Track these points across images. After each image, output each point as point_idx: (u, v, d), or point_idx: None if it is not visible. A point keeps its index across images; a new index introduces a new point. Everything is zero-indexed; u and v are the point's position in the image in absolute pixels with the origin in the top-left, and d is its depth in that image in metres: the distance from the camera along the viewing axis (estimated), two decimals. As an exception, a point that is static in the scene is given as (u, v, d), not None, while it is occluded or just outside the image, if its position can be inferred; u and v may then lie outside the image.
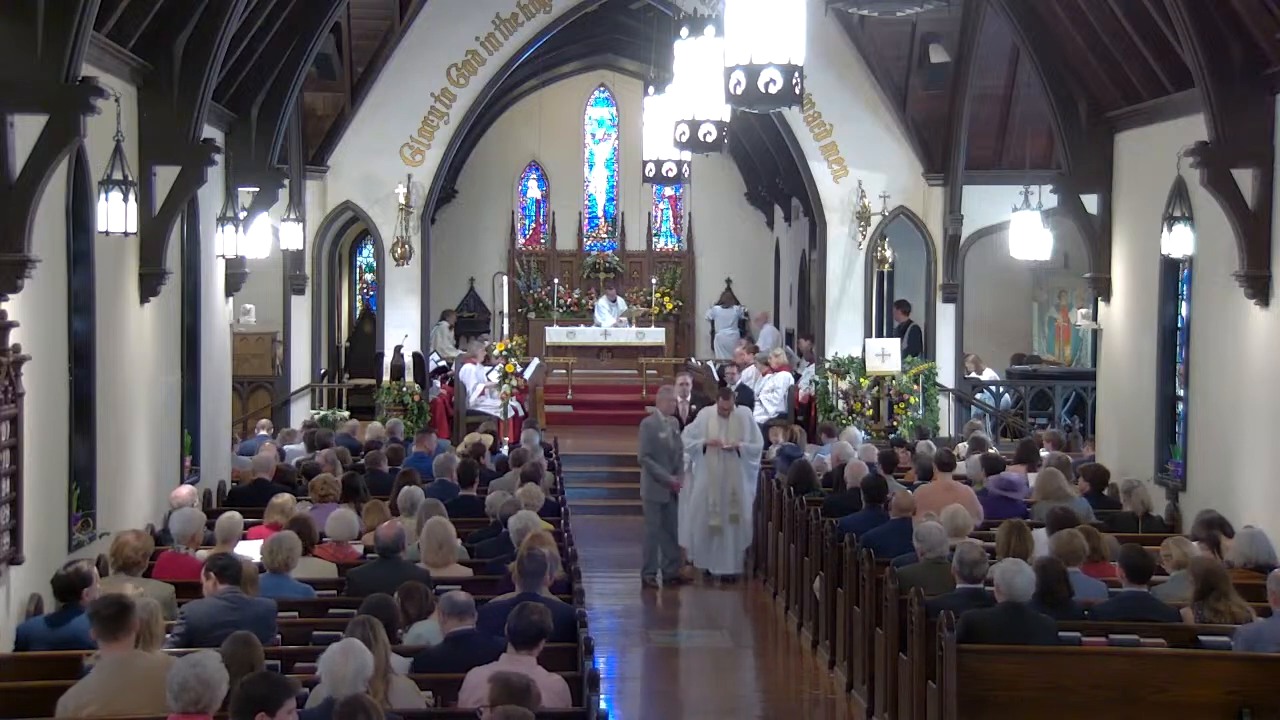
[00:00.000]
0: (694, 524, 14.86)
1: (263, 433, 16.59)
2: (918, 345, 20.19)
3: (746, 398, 17.54)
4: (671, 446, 14.68)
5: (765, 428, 17.01)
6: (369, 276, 26.24)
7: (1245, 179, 11.23)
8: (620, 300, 27.58)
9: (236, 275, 15.14)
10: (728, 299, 29.25)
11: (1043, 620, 8.24)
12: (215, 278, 14.52)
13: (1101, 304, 15.31)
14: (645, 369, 25.16)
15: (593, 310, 27.78)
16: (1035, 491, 12.17)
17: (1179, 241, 12.47)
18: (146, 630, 7.21)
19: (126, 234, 10.09)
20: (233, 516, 10.42)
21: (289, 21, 14.27)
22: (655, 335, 26.82)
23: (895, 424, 18.65)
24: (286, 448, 15.31)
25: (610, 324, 26.83)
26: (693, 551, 14.99)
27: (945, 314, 20.02)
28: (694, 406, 15.48)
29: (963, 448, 15.41)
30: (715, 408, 14.91)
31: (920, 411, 19.04)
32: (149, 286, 11.73)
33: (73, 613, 8.13)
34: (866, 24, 18.87)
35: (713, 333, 28.81)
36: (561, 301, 28.82)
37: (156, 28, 11.20)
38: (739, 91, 10.11)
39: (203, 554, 9.86)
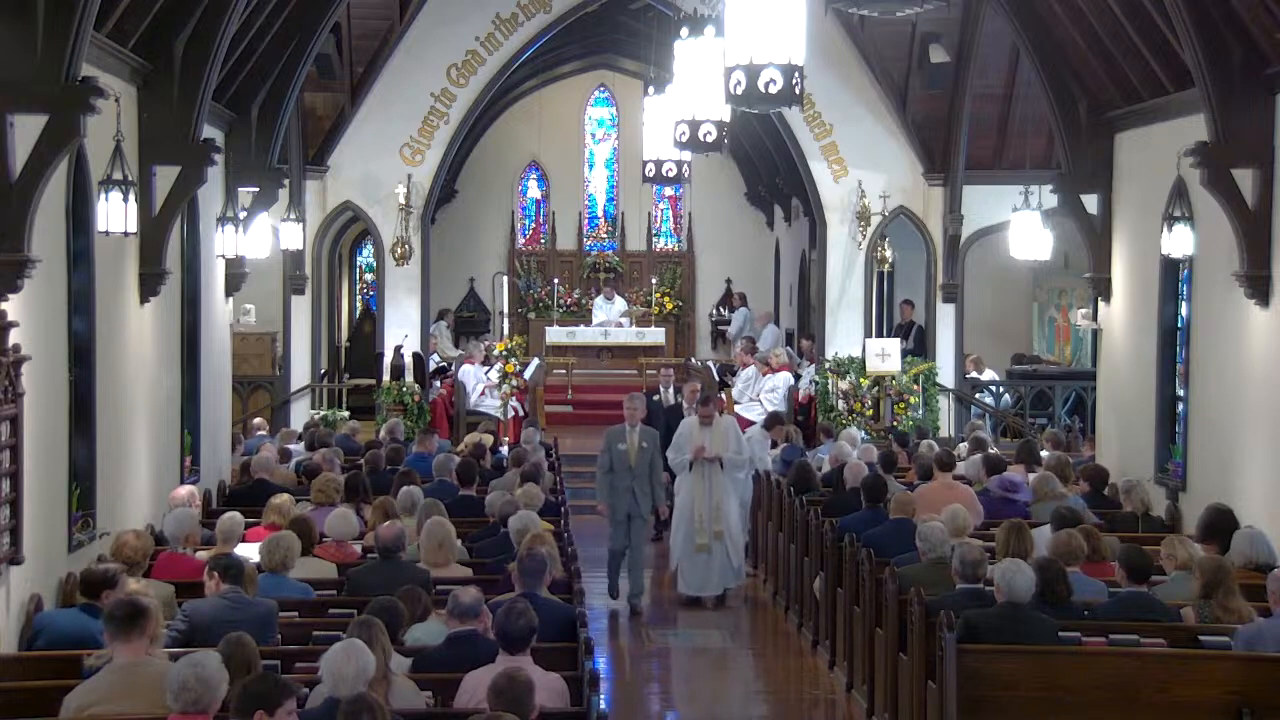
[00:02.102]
0: (679, 543, 13.93)
1: (261, 433, 16.58)
2: (923, 344, 20.21)
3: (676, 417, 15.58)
4: (633, 461, 13.51)
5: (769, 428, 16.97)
6: (369, 276, 26.26)
7: (1245, 179, 11.24)
8: (619, 299, 27.57)
9: (236, 275, 15.14)
10: (740, 301, 29.09)
11: (1043, 620, 8.24)
12: (215, 278, 14.52)
13: (1101, 304, 15.32)
14: (645, 369, 25.15)
15: (591, 310, 27.75)
16: (1033, 493, 12.16)
17: (1179, 241, 12.48)
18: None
19: (126, 234, 10.10)
20: (234, 517, 10.42)
21: (289, 21, 14.27)
22: (655, 335, 26.81)
23: (895, 424, 18.66)
24: (288, 447, 15.31)
25: (602, 319, 26.81)
26: (679, 573, 13.98)
27: (945, 314, 20.02)
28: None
29: (963, 448, 15.42)
30: (696, 417, 13.91)
31: (920, 411, 19.05)
32: (149, 286, 11.72)
33: (90, 610, 8.26)
34: (866, 24, 18.87)
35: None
36: (561, 301, 28.82)
37: (156, 28, 11.19)
38: (739, 91, 10.12)
39: (203, 555, 9.88)
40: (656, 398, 16.72)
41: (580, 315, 28.26)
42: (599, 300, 27.52)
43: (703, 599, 13.87)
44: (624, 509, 13.62)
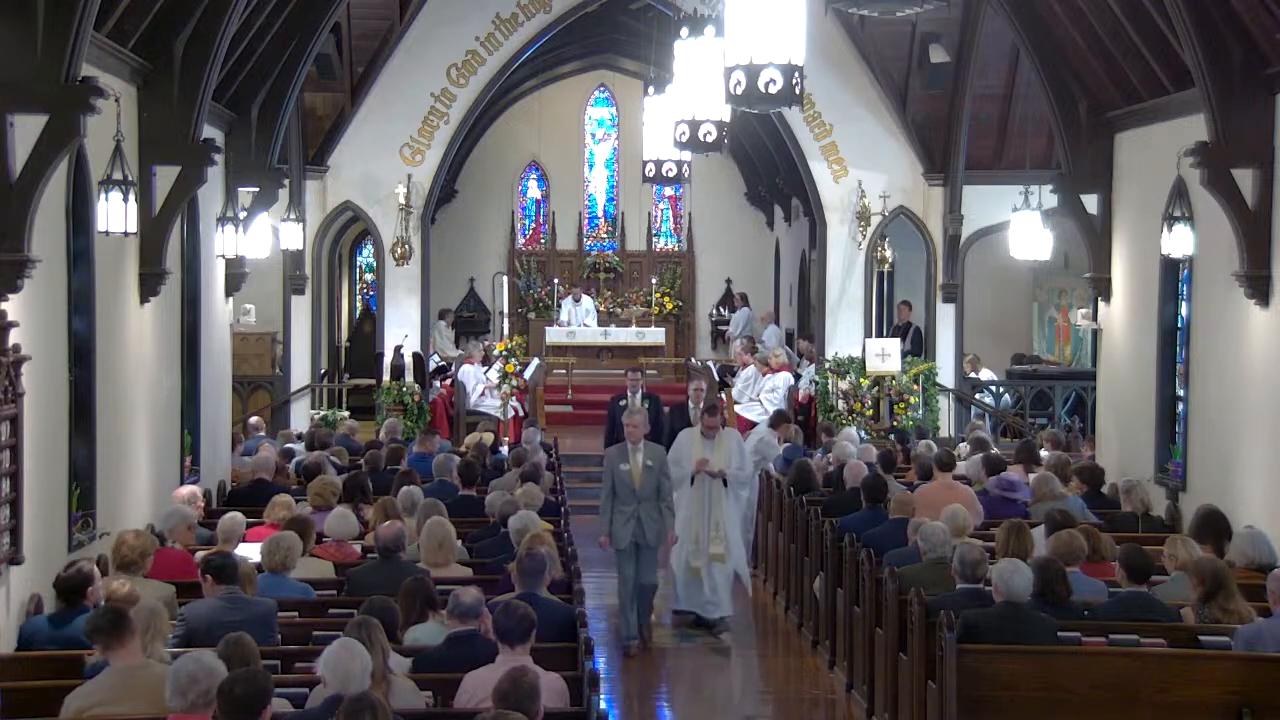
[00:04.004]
0: (677, 562, 12.95)
1: (260, 433, 16.58)
2: (920, 345, 20.21)
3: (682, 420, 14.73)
4: (638, 483, 12.08)
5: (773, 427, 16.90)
6: (369, 276, 26.27)
7: (1245, 179, 11.24)
8: (586, 299, 27.53)
9: (236, 275, 15.14)
10: (742, 301, 29.06)
11: (1042, 620, 8.24)
12: (215, 278, 14.52)
13: (1101, 304, 15.32)
14: (645, 369, 25.15)
15: (558, 309, 27.69)
16: (1033, 493, 12.17)
17: (1179, 241, 12.48)
18: (151, 629, 7.23)
19: (126, 234, 10.10)
20: (235, 517, 10.42)
21: (289, 21, 14.28)
22: (655, 335, 26.84)
23: (895, 424, 18.66)
24: (289, 447, 15.31)
25: (566, 320, 26.77)
26: (676, 594, 13.08)
27: (945, 314, 20.03)
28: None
29: (964, 448, 15.41)
30: (697, 429, 13.03)
31: (920, 411, 19.05)
32: (149, 286, 11.73)
33: (76, 612, 8.18)
34: (866, 24, 18.88)
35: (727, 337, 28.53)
36: (561, 302, 28.84)
37: (156, 28, 11.20)
38: (739, 91, 10.12)
39: (201, 554, 9.86)
40: (623, 403, 15.43)
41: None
42: (566, 301, 27.54)
43: (702, 619, 12.99)
44: (628, 538, 12.14)
